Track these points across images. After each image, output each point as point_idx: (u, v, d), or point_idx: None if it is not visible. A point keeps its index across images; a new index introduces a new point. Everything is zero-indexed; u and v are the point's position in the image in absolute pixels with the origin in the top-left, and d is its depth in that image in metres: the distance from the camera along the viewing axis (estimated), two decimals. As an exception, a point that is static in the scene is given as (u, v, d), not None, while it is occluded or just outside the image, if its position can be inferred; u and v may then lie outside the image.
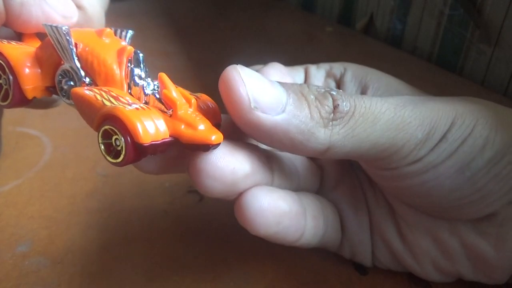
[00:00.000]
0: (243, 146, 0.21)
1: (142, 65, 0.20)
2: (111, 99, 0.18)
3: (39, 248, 0.27)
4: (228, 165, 0.19)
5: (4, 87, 0.21)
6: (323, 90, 0.20)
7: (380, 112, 0.20)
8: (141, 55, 0.20)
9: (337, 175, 0.26)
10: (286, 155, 0.24)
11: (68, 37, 0.20)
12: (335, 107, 0.19)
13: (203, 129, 0.18)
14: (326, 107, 0.19)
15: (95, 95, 0.18)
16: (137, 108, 0.18)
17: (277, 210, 0.21)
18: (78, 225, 0.28)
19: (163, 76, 0.19)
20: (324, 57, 0.28)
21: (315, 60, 0.27)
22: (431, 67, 0.47)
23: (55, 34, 0.20)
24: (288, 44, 0.52)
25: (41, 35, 0.23)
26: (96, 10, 0.24)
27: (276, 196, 0.21)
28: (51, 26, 0.20)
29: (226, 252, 0.27)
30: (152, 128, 0.17)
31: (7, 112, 0.40)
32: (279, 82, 0.19)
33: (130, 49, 0.20)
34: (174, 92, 0.18)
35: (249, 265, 0.26)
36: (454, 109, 0.20)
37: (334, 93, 0.20)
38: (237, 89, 0.18)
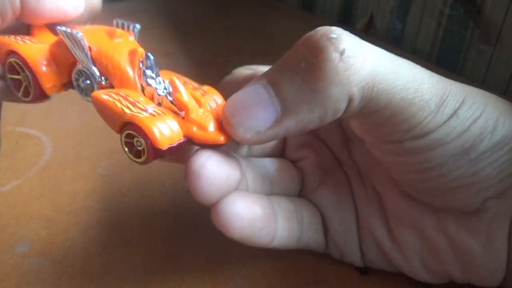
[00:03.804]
0: (229, 154, 0.22)
1: (153, 67, 0.21)
2: (129, 105, 0.19)
3: (39, 248, 0.27)
4: (224, 172, 0.20)
5: (24, 83, 0.22)
6: (315, 40, 0.17)
7: (400, 66, 0.18)
8: (151, 57, 0.21)
9: (319, 177, 0.26)
10: (258, 161, 0.25)
11: (82, 43, 0.20)
12: (341, 53, 0.17)
13: (213, 130, 0.20)
14: (326, 62, 0.17)
15: (114, 102, 0.19)
16: (153, 114, 0.19)
17: (252, 213, 0.21)
18: (78, 225, 0.28)
19: (175, 80, 0.20)
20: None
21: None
22: (431, 67, 0.47)
23: (69, 39, 0.21)
24: (288, 44, 0.52)
25: (50, 26, 0.24)
26: None
27: (251, 200, 0.22)
28: (65, 31, 0.20)
29: (226, 252, 0.27)
30: (168, 132, 0.19)
31: (7, 112, 0.40)
32: (258, 87, 0.19)
33: (141, 51, 0.21)
34: (186, 95, 0.20)
35: (249, 264, 0.26)
36: (465, 89, 0.20)
37: (334, 35, 0.17)
38: (235, 135, 0.19)
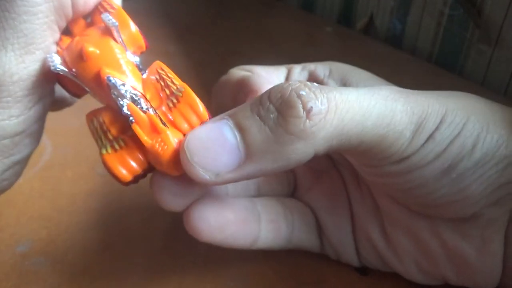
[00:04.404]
0: None
1: (117, 86, 0.20)
2: (102, 136, 0.20)
3: (39, 248, 0.27)
4: (186, 181, 0.20)
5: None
6: (286, 95, 0.18)
7: (370, 106, 0.18)
8: (112, 80, 0.20)
9: (311, 178, 0.26)
10: None
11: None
12: (308, 111, 0.17)
13: (168, 163, 0.19)
14: (294, 119, 0.17)
15: (94, 130, 0.21)
16: (115, 150, 0.20)
17: (221, 218, 0.22)
18: (78, 225, 0.28)
19: (137, 128, 0.19)
20: (324, 57, 0.28)
21: (315, 60, 0.26)
22: (431, 67, 0.47)
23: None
24: (288, 44, 0.52)
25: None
26: None
27: (221, 205, 0.22)
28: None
29: (226, 252, 0.27)
30: (129, 166, 0.20)
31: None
32: (225, 127, 0.18)
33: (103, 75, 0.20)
34: (141, 133, 0.19)
35: (249, 265, 0.26)
36: (445, 105, 0.19)
37: (303, 92, 0.18)
38: (193, 174, 0.18)
